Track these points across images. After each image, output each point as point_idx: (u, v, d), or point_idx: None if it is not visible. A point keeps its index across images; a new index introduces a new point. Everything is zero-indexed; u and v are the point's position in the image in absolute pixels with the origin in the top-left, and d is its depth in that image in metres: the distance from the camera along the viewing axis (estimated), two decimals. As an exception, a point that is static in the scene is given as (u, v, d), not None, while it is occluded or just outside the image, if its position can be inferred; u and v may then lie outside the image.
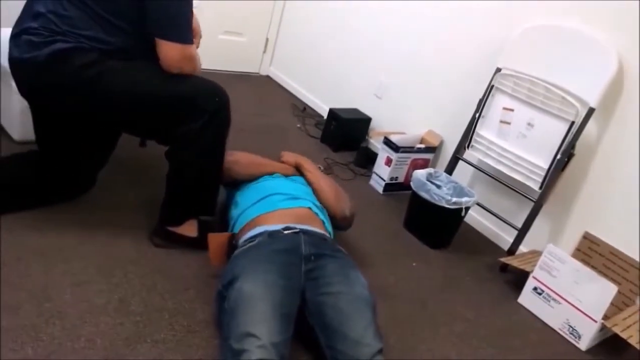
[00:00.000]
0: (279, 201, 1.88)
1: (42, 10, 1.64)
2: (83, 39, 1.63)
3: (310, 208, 1.89)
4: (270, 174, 2.09)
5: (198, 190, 1.87)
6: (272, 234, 1.69)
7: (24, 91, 1.76)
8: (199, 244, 1.84)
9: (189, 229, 1.89)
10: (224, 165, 1.98)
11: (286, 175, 2.11)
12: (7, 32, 1.73)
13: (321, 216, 1.91)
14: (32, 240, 1.73)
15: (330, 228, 1.93)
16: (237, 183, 2.06)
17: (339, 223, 2.05)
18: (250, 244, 1.67)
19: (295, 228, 1.72)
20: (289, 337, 1.42)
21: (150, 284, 1.70)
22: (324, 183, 2.10)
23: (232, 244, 1.78)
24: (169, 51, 1.70)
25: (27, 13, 1.68)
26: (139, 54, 1.73)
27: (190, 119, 1.74)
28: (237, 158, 2.07)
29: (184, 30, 1.73)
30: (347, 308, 1.52)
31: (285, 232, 1.70)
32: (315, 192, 2.05)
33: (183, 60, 1.74)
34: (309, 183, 2.10)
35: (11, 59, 1.69)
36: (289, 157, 2.22)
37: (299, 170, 2.16)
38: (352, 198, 2.15)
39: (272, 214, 1.81)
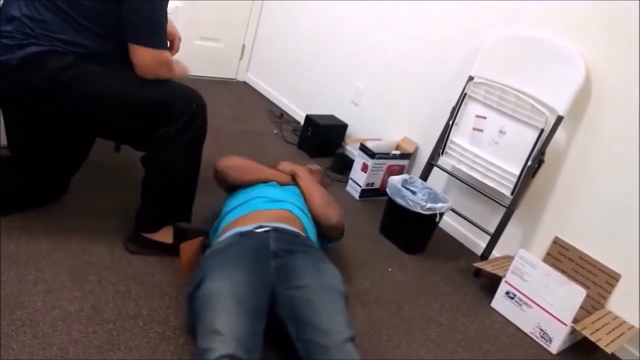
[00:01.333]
0: (258, 204, 1.88)
1: (16, 14, 1.63)
2: (57, 43, 1.62)
3: (290, 210, 1.88)
4: (265, 181, 2.08)
5: (173, 196, 1.86)
6: (243, 234, 1.69)
7: None
8: (174, 250, 1.83)
9: (165, 235, 1.88)
10: (220, 169, 1.98)
11: (281, 184, 2.09)
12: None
13: (302, 219, 1.89)
14: (4, 247, 1.70)
15: (311, 230, 1.91)
16: (232, 189, 2.05)
17: (326, 231, 2.03)
18: (219, 245, 1.67)
19: (267, 226, 1.72)
20: (258, 332, 1.42)
21: (124, 290, 1.69)
22: (315, 190, 2.09)
23: (204, 249, 1.77)
24: (143, 56, 1.69)
25: (1, 16, 1.66)
26: (116, 58, 1.72)
27: (166, 124, 1.73)
28: (233, 163, 2.07)
29: (158, 35, 1.72)
30: (318, 299, 1.52)
31: (257, 230, 1.70)
32: (305, 199, 2.04)
33: (158, 66, 1.73)
34: (301, 190, 2.08)
35: None
36: (286, 165, 2.20)
37: (294, 179, 2.15)
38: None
39: (248, 215, 1.81)
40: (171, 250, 1.86)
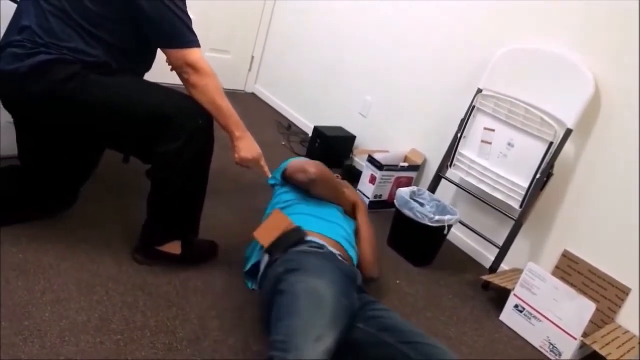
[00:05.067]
0: (341, 238, 1.86)
1: (26, 24, 1.65)
2: (66, 51, 1.63)
3: (352, 258, 1.87)
4: (342, 204, 2.07)
5: (177, 212, 1.84)
6: (335, 256, 1.71)
7: (7, 104, 1.75)
8: (182, 261, 1.83)
9: (173, 247, 1.88)
10: (313, 175, 1.94)
11: (344, 212, 2.08)
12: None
13: (353, 255, 1.89)
14: (13, 257, 1.71)
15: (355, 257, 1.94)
16: (299, 187, 2.02)
17: (363, 276, 1.98)
18: (318, 249, 1.68)
19: (352, 264, 1.77)
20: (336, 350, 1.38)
21: (131, 301, 1.69)
22: (370, 236, 2.08)
23: (293, 234, 1.74)
24: (170, 59, 1.72)
25: (14, 27, 1.69)
26: (125, 69, 1.73)
27: (168, 138, 1.70)
28: (325, 174, 2.00)
29: (179, 34, 1.70)
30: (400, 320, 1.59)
31: (345, 261, 1.74)
32: (358, 238, 2.04)
33: (185, 67, 1.71)
34: (358, 227, 2.08)
35: None
36: (352, 193, 2.17)
37: (354, 210, 2.13)
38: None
39: (333, 242, 1.81)
40: (179, 261, 1.86)
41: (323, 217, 1.92)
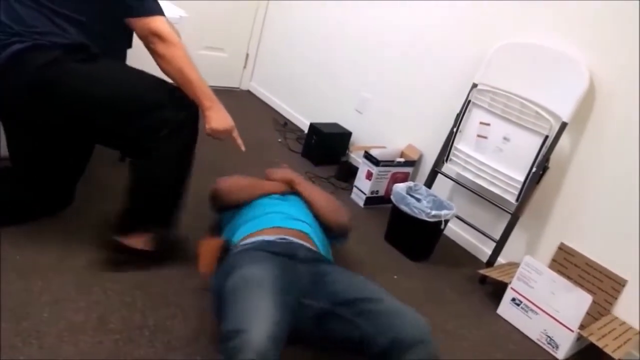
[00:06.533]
0: (277, 220, 1.86)
1: None
2: (37, 36, 1.59)
3: (306, 233, 1.86)
4: (266, 194, 2.06)
5: (152, 203, 1.80)
6: (269, 242, 1.69)
7: None
8: (150, 256, 1.79)
9: (141, 241, 1.81)
10: (219, 192, 1.96)
11: (282, 194, 2.08)
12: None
13: (316, 241, 1.88)
14: (10, 258, 1.71)
15: (323, 249, 1.90)
16: (226, 208, 2.03)
17: (336, 231, 2.03)
18: (246, 246, 1.67)
19: (291, 240, 1.73)
20: (288, 324, 1.37)
21: (129, 301, 1.69)
22: (317, 195, 2.08)
23: (225, 250, 1.71)
24: (135, 30, 1.69)
25: None
26: (103, 50, 1.69)
27: (151, 130, 1.68)
28: (229, 187, 2.02)
29: (140, 3, 1.67)
30: (362, 282, 1.57)
31: (280, 241, 1.71)
32: (309, 205, 2.03)
33: (150, 36, 1.68)
34: (303, 197, 2.07)
35: None
36: (277, 174, 2.18)
37: (290, 187, 2.13)
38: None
39: (270, 229, 1.80)
40: (147, 256, 1.80)
41: (258, 214, 1.90)
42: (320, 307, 1.51)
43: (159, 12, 1.71)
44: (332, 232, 2.01)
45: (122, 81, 1.71)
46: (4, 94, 1.65)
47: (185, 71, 1.72)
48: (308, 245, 1.77)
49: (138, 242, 1.81)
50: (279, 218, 1.87)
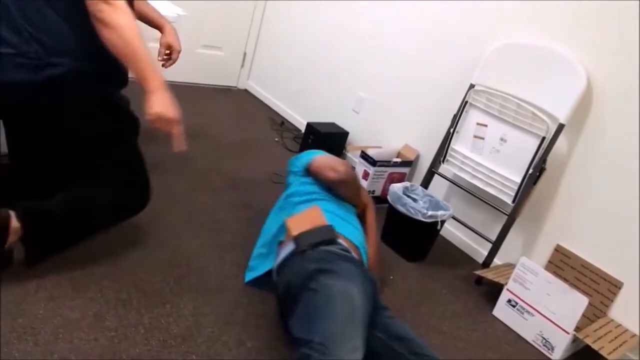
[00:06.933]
0: (357, 239, 1.86)
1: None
2: (57, 57, 1.57)
3: (352, 242, 1.85)
4: (356, 205, 2.08)
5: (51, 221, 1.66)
6: (356, 259, 1.71)
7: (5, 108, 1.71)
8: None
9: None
10: (342, 172, 1.94)
11: (355, 213, 2.08)
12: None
13: (362, 250, 1.90)
14: (5, 255, 1.70)
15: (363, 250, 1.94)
16: (322, 183, 2.00)
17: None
18: (346, 253, 1.68)
19: (363, 261, 1.78)
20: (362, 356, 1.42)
21: (125, 298, 1.68)
22: (375, 239, 2.12)
23: (325, 232, 1.75)
24: None
25: None
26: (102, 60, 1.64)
27: (103, 184, 1.71)
28: (351, 175, 2.03)
29: None
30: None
31: (359, 258, 1.75)
32: (366, 237, 2.04)
33: (99, 4, 1.49)
34: (365, 227, 2.07)
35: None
36: (366, 194, 2.20)
37: (364, 210, 2.13)
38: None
39: (350, 243, 1.81)
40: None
41: (345, 218, 1.91)
42: (378, 336, 1.54)
43: None
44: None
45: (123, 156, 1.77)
46: (27, 107, 1.63)
47: (133, 44, 1.53)
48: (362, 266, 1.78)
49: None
50: (359, 241, 1.88)
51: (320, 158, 2.03)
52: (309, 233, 1.72)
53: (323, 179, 1.99)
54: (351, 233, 1.85)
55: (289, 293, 1.60)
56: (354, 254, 1.75)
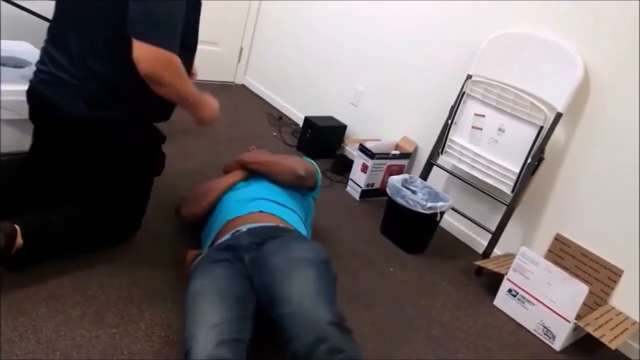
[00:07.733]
0: (230, 212, 1.87)
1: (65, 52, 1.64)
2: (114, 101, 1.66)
3: (261, 210, 1.86)
4: (226, 190, 2.04)
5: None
6: (215, 250, 1.71)
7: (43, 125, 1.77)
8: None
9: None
10: (184, 215, 2.02)
11: (245, 179, 2.08)
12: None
13: (277, 211, 1.88)
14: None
15: (289, 217, 1.88)
16: (205, 218, 2.02)
17: (301, 184, 2.05)
18: (199, 257, 1.68)
19: (240, 229, 1.74)
20: (247, 315, 1.43)
21: (126, 295, 1.69)
22: (268, 162, 2.09)
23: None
24: (139, 49, 1.51)
25: (56, 39, 1.67)
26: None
27: (102, 212, 1.77)
28: (191, 204, 2.03)
29: (162, 31, 1.54)
30: (281, 274, 1.49)
31: (226, 241, 1.73)
32: (269, 175, 2.04)
33: (158, 65, 1.54)
34: (259, 172, 2.07)
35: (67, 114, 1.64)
36: (231, 163, 2.18)
37: (247, 169, 2.11)
38: (329, 205, 2.14)
39: (225, 226, 1.81)
40: None
41: (216, 215, 1.92)
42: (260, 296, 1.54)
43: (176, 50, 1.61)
44: (300, 188, 2.05)
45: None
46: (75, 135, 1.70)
47: (184, 95, 1.72)
48: (260, 224, 1.76)
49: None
50: (233, 208, 1.88)
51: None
52: None
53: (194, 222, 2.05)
54: (225, 215, 1.86)
55: None
56: (218, 240, 1.76)
